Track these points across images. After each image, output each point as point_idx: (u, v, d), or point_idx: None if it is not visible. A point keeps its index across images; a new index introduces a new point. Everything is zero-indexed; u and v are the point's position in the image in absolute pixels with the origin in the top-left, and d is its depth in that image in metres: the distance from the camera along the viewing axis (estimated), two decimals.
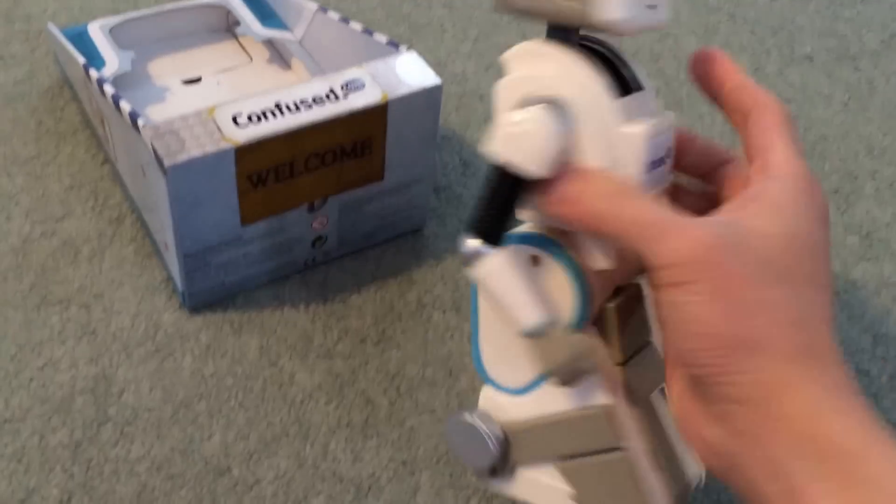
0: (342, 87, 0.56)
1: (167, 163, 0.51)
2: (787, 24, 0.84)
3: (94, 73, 0.60)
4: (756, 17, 0.85)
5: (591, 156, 0.38)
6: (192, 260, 0.56)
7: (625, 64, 0.40)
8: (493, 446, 0.45)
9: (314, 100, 0.55)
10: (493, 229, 0.40)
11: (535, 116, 0.38)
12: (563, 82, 0.38)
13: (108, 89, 0.58)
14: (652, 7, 0.37)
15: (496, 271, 0.40)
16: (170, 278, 0.61)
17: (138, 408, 0.54)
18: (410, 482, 0.52)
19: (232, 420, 0.54)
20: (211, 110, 0.54)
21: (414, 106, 0.57)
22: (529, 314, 0.40)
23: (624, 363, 0.43)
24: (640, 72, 0.40)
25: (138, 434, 0.53)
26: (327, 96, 0.55)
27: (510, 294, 0.40)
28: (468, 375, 0.57)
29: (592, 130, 0.38)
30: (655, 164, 0.39)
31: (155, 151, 0.51)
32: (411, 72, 0.58)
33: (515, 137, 0.38)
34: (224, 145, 0.52)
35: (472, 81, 0.77)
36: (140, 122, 0.53)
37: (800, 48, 0.82)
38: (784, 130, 0.39)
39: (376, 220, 0.62)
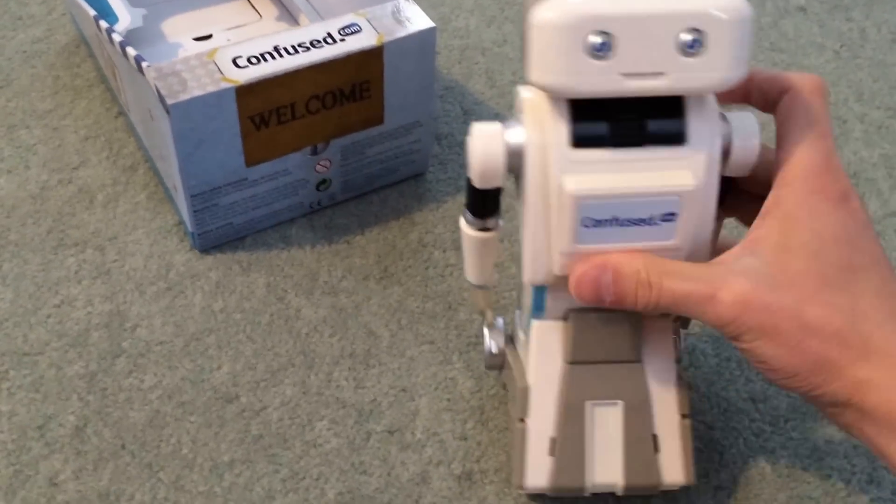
0: (339, 31, 0.58)
1: (169, 101, 0.53)
2: None
3: (103, 23, 0.63)
4: None
5: (529, 192, 0.41)
6: (200, 200, 0.59)
7: (663, 115, 0.40)
8: (485, 354, 0.52)
9: (312, 43, 0.57)
10: (471, 206, 0.46)
11: (479, 132, 0.41)
12: (528, 115, 0.41)
13: (117, 37, 0.60)
14: (634, 75, 0.37)
15: (462, 232, 0.47)
16: (181, 222, 0.63)
17: (151, 341, 0.57)
18: (410, 406, 0.55)
19: (240, 352, 0.57)
20: (212, 53, 0.56)
21: (409, 48, 0.60)
22: (468, 272, 0.49)
23: (573, 363, 0.47)
24: (696, 127, 0.40)
25: (150, 365, 0.56)
26: (325, 40, 0.58)
27: (464, 252, 0.48)
28: (466, 309, 0.60)
29: (534, 171, 0.41)
30: (614, 221, 0.40)
31: (158, 91, 0.54)
32: (407, 16, 0.60)
33: (467, 144, 0.42)
34: (224, 85, 0.55)
35: (475, 35, 0.79)
36: (144, 64, 0.56)
37: (794, 0, 0.84)
38: (801, 114, 0.41)
39: (379, 164, 0.65)
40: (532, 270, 0.44)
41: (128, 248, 0.62)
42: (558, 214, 0.40)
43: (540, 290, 0.45)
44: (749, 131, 0.41)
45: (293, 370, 0.56)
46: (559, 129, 0.40)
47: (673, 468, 0.47)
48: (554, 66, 0.37)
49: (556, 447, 0.47)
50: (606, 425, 0.47)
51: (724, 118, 0.41)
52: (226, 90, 0.55)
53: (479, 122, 0.42)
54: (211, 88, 0.54)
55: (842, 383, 0.39)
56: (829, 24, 0.81)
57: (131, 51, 0.58)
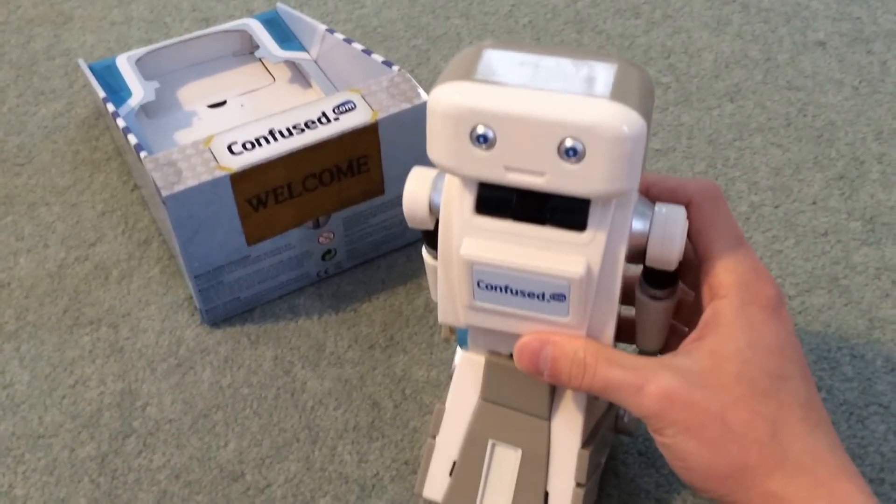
0: (334, 110, 0.59)
1: (164, 193, 0.55)
2: (801, 10, 0.85)
3: (110, 106, 0.65)
4: (770, 5, 0.85)
5: (440, 244, 0.43)
6: (204, 279, 0.60)
7: (569, 199, 0.39)
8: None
9: (307, 124, 0.58)
10: (426, 241, 0.47)
11: (413, 179, 0.44)
12: (450, 177, 0.42)
13: (121, 122, 0.62)
14: (515, 169, 0.38)
15: (426, 264, 0.48)
16: (190, 297, 0.65)
17: (160, 420, 0.59)
18: (412, 480, 0.55)
19: (246, 428, 0.58)
20: (207, 140, 0.57)
21: (405, 122, 0.60)
22: (432, 292, 0.49)
23: (485, 400, 0.49)
24: (600, 215, 0.40)
25: (159, 444, 0.57)
26: (319, 120, 0.58)
27: (427, 273, 0.49)
28: None
29: (444, 227, 0.42)
30: (507, 289, 0.42)
31: (154, 182, 0.55)
32: (401, 90, 0.61)
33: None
34: (219, 173, 0.56)
35: None
36: (142, 154, 0.57)
37: (812, 34, 0.82)
38: (719, 226, 0.43)
39: (382, 231, 0.65)
40: (443, 313, 0.45)
41: (140, 324, 0.64)
42: (458, 272, 0.42)
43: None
44: (670, 227, 0.41)
45: (298, 445, 0.57)
46: (466, 194, 0.41)
47: None
48: (442, 147, 0.39)
49: (455, 470, 0.50)
50: (502, 466, 0.49)
51: (648, 207, 0.41)
52: (220, 178, 0.56)
53: (413, 173, 0.44)
54: (206, 177, 0.55)
55: (756, 492, 0.39)
56: (848, 59, 0.80)
57: (132, 138, 0.60)
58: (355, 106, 0.59)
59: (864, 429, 0.56)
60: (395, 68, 0.63)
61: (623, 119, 0.36)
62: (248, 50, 0.79)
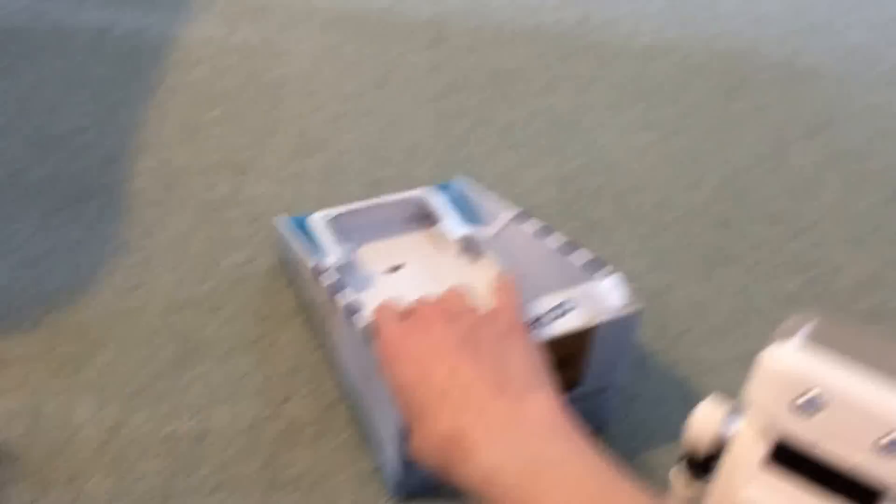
0: (552, 311, 0.63)
1: None
2: None
3: (323, 278, 0.69)
4: None
5: (719, 484, 0.45)
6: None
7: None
8: None
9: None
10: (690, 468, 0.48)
11: (699, 417, 0.46)
12: (750, 417, 0.44)
13: (327, 280, 0.67)
14: (833, 447, 0.40)
15: (674, 491, 0.50)
16: (377, 469, 0.67)
17: None
18: None
19: None
20: None
21: (615, 328, 0.64)
22: None
23: None
24: None
25: None
26: (538, 320, 0.63)
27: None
28: None
29: (729, 466, 0.45)
30: None
31: None
32: (613, 296, 0.65)
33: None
34: None
35: (642, 281, 0.83)
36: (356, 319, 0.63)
37: None
38: None
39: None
40: None
41: (333, 493, 0.65)
42: None
43: None
44: None
45: None
46: (762, 443, 0.43)
47: None
48: (764, 400, 0.41)
49: None
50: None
51: None
52: None
53: (708, 401, 0.47)
54: None
55: None
56: None
57: (342, 298, 0.65)
58: (571, 308, 0.63)
59: None
60: (605, 271, 0.66)
61: None
62: (421, 217, 0.83)
